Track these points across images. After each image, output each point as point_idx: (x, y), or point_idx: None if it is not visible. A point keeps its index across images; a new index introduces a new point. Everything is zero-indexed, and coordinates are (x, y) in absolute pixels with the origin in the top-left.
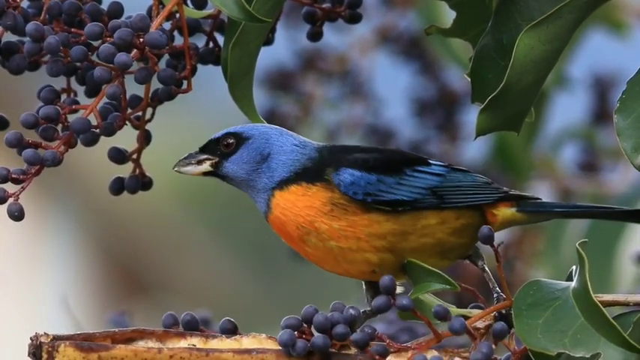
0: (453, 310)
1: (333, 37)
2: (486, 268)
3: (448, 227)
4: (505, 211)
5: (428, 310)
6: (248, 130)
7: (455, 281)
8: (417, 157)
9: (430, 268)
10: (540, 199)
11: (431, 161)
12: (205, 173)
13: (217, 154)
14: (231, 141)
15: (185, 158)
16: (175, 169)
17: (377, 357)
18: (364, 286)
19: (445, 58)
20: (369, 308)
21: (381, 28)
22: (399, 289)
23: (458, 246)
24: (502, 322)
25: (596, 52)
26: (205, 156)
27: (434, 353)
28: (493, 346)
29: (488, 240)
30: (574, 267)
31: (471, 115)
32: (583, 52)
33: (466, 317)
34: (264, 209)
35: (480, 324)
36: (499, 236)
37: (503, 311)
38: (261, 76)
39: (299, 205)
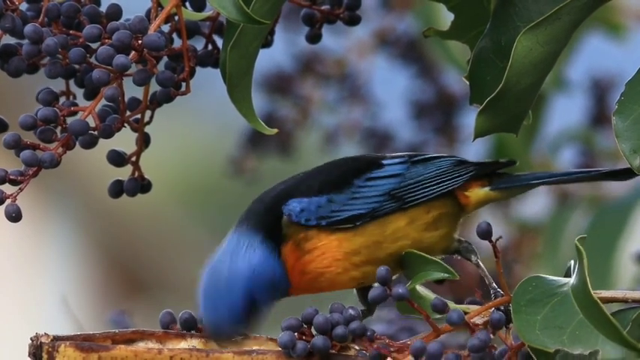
0: (452, 305)
1: (332, 40)
2: (481, 264)
3: (420, 224)
4: (478, 192)
5: (426, 306)
6: (248, 289)
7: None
8: (370, 161)
9: (428, 256)
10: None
11: (385, 161)
12: None
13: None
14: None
15: None
16: None
17: (376, 347)
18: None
19: (443, 60)
20: (364, 308)
21: (379, 31)
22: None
23: (438, 238)
24: (500, 312)
25: (595, 55)
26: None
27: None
28: (491, 335)
29: (487, 235)
30: (572, 262)
31: (469, 118)
32: (581, 55)
33: (465, 313)
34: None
35: (479, 320)
36: (497, 232)
37: (502, 307)
38: (259, 79)
39: (299, 278)
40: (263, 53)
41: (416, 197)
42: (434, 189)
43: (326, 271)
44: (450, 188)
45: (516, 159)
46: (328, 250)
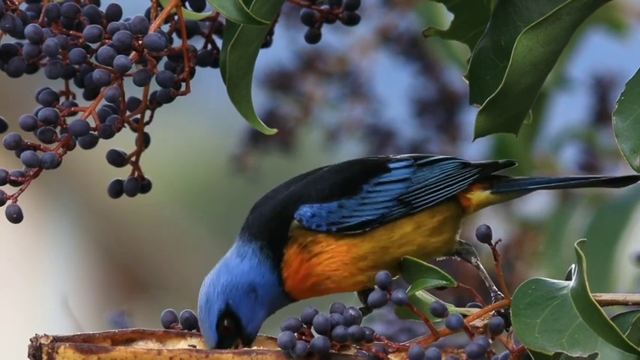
0: (451, 308)
1: (333, 37)
2: (481, 266)
3: (425, 229)
4: (479, 195)
5: (426, 309)
6: (222, 301)
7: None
8: (377, 164)
9: (426, 264)
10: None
11: (392, 165)
12: None
13: (233, 337)
14: (227, 323)
15: None
16: None
17: (374, 351)
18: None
19: (445, 58)
20: (364, 306)
21: (381, 28)
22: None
23: (441, 243)
24: (499, 317)
25: (597, 53)
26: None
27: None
28: (490, 341)
29: (486, 238)
30: (573, 266)
31: (471, 116)
32: (583, 53)
33: (464, 316)
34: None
35: (479, 323)
36: (499, 230)
37: (502, 310)
38: (261, 76)
39: (302, 281)
40: (265, 51)
41: (423, 202)
42: (440, 193)
43: (333, 275)
44: (455, 192)
45: (516, 160)
46: (337, 255)
